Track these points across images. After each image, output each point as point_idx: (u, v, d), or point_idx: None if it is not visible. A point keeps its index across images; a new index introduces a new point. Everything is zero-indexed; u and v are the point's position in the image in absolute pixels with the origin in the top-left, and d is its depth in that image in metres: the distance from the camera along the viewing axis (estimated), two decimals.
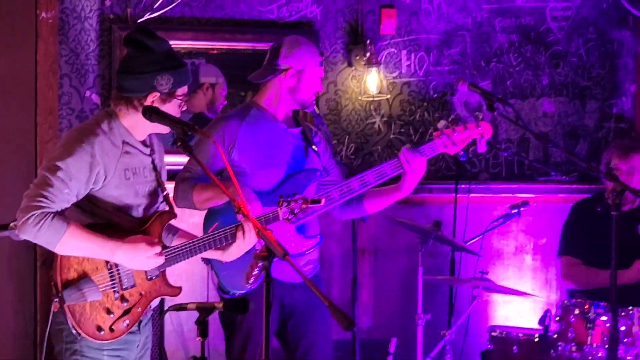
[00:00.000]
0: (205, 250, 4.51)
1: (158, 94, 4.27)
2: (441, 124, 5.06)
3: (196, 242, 4.48)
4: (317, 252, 5.28)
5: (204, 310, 3.71)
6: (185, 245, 4.43)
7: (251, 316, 4.26)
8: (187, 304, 3.84)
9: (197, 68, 6.77)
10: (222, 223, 4.58)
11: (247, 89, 6.82)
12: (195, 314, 3.88)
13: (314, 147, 5.24)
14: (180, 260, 4.44)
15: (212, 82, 6.64)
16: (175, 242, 4.49)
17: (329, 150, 5.40)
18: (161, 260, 4.28)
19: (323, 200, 4.75)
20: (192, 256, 4.46)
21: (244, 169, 5.00)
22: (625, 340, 5.38)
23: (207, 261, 5.03)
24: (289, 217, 4.64)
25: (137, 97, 4.29)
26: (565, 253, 6.28)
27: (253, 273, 4.81)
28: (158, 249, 4.24)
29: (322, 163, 5.24)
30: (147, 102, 4.28)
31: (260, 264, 4.42)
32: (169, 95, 4.32)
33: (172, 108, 4.34)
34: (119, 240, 4.19)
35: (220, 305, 3.78)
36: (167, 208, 4.46)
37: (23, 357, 6.39)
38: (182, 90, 4.39)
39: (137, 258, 4.20)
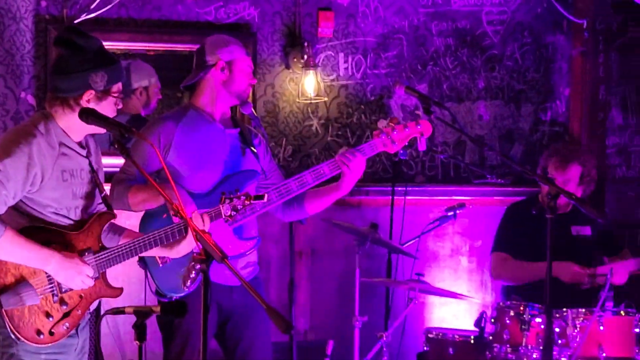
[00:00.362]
0: (152, 248, 4.48)
1: (93, 92, 4.25)
2: (381, 123, 5.09)
3: (142, 240, 4.46)
4: (256, 254, 5.28)
5: (142, 314, 3.62)
6: (129, 244, 4.41)
7: (189, 319, 4.23)
8: (124, 307, 3.72)
9: (129, 72, 6.69)
10: (160, 225, 4.57)
11: (184, 90, 6.60)
12: (132, 318, 3.77)
13: (252, 148, 5.22)
14: (125, 259, 4.42)
15: (145, 86, 6.62)
16: (123, 241, 4.46)
17: (269, 154, 5.40)
18: (90, 282, 4.26)
19: (266, 196, 4.74)
20: (137, 254, 4.46)
21: (179, 171, 4.98)
22: (559, 341, 5.44)
23: (143, 265, 5.00)
24: (232, 214, 4.64)
25: (72, 96, 4.26)
26: (497, 250, 6.35)
27: (190, 276, 4.81)
28: (90, 272, 4.22)
29: (262, 166, 5.23)
30: (83, 101, 4.26)
31: (197, 267, 4.39)
32: (104, 93, 4.29)
33: (108, 106, 4.33)
34: (55, 251, 4.16)
35: (158, 309, 3.70)
36: (105, 209, 4.43)
37: None
38: (117, 87, 4.38)
39: (67, 274, 4.18)
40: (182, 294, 4.86)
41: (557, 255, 5.04)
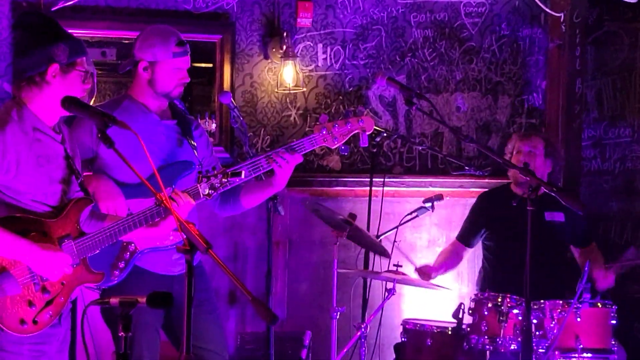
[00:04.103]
0: (132, 231, 4.48)
1: (57, 65, 4.25)
2: (322, 117, 5.10)
3: (122, 223, 4.46)
4: None
5: (127, 304, 3.59)
6: (108, 228, 4.40)
7: (133, 312, 4.12)
8: (109, 298, 3.70)
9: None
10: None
11: None
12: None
13: (191, 140, 5.24)
14: (106, 244, 4.42)
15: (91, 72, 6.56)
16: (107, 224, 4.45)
17: (210, 146, 5.44)
18: (68, 271, 4.26)
19: (244, 173, 4.76)
20: (117, 238, 4.44)
21: (109, 162, 4.94)
22: (537, 333, 5.45)
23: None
24: (210, 193, 4.65)
25: (37, 73, 4.26)
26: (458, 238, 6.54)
27: (118, 266, 4.80)
28: (69, 261, 4.23)
29: (199, 157, 5.21)
30: (49, 76, 4.25)
31: (126, 256, 4.83)
32: (69, 66, 4.29)
33: (75, 81, 4.32)
34: (32, 242, 4.15)
35: (144, 299, 3.64)
36: (82, 195, 4.43)
37: None
38: (81, 60, 4.36)
39: (45, 266, 4.18)
40: (110, 284, 4.84)
41: (533, 239, 5.06)
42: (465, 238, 6.43)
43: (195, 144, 5.21)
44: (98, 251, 4.47)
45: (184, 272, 4.33)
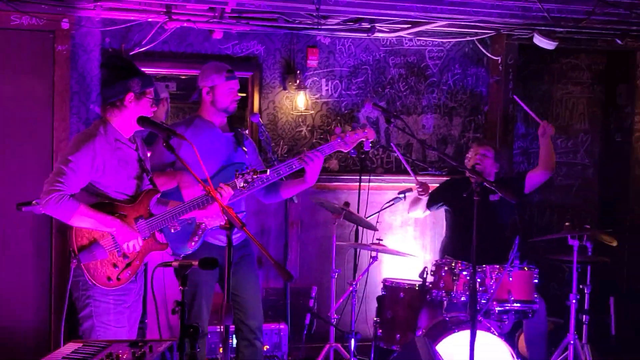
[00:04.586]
0: (189, 212, 4.52)
1: (132, 94, 4.31)
2: (337, 129, 5.12)
3: (181, 207, 4.51)
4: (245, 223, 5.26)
5: (184, 266, 3.67)
6: (171, 210, 4.46)
7: (195, 272, 4.15)
8: (171, 262, 3.77)
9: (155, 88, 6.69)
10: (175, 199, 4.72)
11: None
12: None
13: (243, 148, 5.20)
14: (170, 222, 4.49)
15: (166, 97, 6.55)
16: (169, 208, 4.52)
17: (256, 152, 5.36)
18: (140, 243, 4.36)
19: (269, 171, 4.77)
20: (178, 218, 4.49)
21: (188, 162, 4.86)
22: (480, 288, 5.44)
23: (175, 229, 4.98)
24: (244, 185, 4.60)
25: (118, 99, 4.32)
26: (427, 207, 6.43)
27: (194, 239, 4.86)
28: (140, 235, 4.34)
29: (249, 160, 5.17)
30: (126, 102, 4.32)
31: (199, 233, 4.87)
32: (141, 95, 4.35)
33: (145, 105, 4.38)
34: (118, 218, 4.26)
35: (196, 263, 3.69)
36: (151, 187, 4.49)
37: (40, 301, 6.34)
38: (150, 90, 4.41)
39: (124, 236, 4.28)
40: (187, 253, 4.91)
41: (477, 214, 5.03)
42: (430, 202, 6.33)
43: (246, 150, 5.20)
44: (164, 227, 4.51)
45: (234, 244, 4.51)
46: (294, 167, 4.97)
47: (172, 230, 4.85)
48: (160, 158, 4.93)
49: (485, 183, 5.25)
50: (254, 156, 5.32)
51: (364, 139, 4.98)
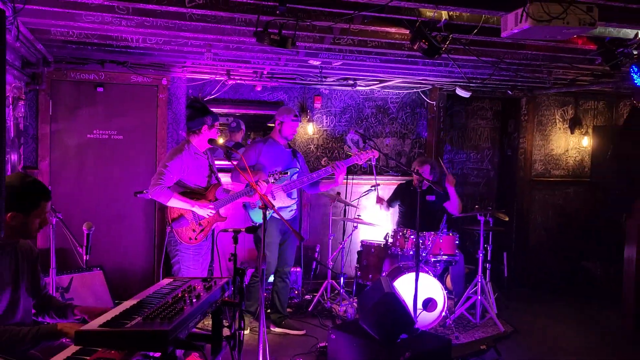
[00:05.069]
0: (241, 197, 4.45)
1: (206, 126, 4.34)
2: (354, 150, 5.00)
3: (234, 195, 4.45)
4: (297, 206, 5.13)
5: (237, 231, 3.46)
6: (228, 197, 4.43)
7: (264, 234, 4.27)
8: (229, 229, 3.57)
9: (239, 122, 6.56)
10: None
11: (256, 131, 6.76)
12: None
13: (298, 158, 5.17)
14: (228, 204, 4.41)
15: (243, 128, 6.57)
16: (229, 195, 4.43)
17: (304, 162, 5.29)
18: (212, 214, 4.28)
19: (289, 172, 4.77)
20: (233, 201, 4.41)
21: (264, 165, 4.95)
22: (422, 246, 5.50)
23: (244, 207, 5.02)
24: (273, 181, 4.63)
25: (197, 129, 4.36)
26: (388, 202, 6.19)
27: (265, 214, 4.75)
28: (212, 211, 4.28)
29: (300, 167, 5.15)
30: (202, 130, 4.32)
31: (265, 212, 4.47)
32: (211, 126, 4.36)
33: (213, 133, 4.37)
34: (196, 201, 4.27)
35: (244, 229, 3.49)
36: (216, 182, 4.47)
37: (147, 252, 6.24)
38: (217, 124, 4.37)
39: (202, 211, 4.28)
40: (257, 223, 4.88)
41: (422, 211, 4.99)
42: (390, 202, 6.18)
43: (299, 158, 5.15)
44: (226, 205, 4.40)
45: (289, 218, 4.70)
46: (328, 171, 4.91)
47: (251, 208, 4.84)
48: (243, 163, 4.71)
49: (424, 180, 5.17)
50: (303, 164, 5.24)
51: (372, 157, 4.94)
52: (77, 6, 3.69)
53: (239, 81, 6.38)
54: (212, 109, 4.56)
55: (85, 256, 3.63)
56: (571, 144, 7.66)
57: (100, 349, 2.14)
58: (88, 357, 2.18)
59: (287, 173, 4.77)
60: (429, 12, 3.72)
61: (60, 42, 4.79)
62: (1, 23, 1.48)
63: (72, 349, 2.31)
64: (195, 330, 2.45)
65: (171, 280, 2.99)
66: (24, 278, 2.70)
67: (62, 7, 3.70)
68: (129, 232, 6.19)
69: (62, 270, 5.06)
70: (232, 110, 6.66)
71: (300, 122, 5.06)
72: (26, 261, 2.73)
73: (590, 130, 7.69)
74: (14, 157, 5.09)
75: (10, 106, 4.85)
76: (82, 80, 5.92)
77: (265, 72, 6.10)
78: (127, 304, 2.37)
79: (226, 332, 2.86)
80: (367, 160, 4.95)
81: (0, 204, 1.54)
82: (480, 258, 5.68)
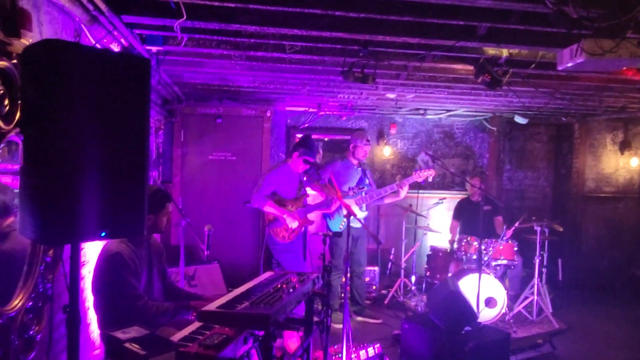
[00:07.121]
0: (321, 208, 4.44)
1: (297, 153, 4.32)
2: (415, 170, 4.91)
3: (320, 203, 4.47)
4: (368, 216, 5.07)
5: (326, 235, 3.47)
6: (312, 206, 4.39)
7: (339, 240, 4.21)
8: (318, 233, 3.63)
9: (318, 146, 6.26)
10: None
11: (338, 153, 6.65)
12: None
13: (367, 176, 5.08)
14: (312, 212, 4.36)
15: (320, 152, 6.41)
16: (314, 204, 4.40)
17: (371, 178, 5.20)
18: (298, 222, 4.21)
19: (365, 188, 4.72)
20: (317, 209, 4.39)
21: (339, 182, 4.91)
22: (484, 252, 5.35)
23: (324, 217, 4.96)
24: (351, 195, 4.68)
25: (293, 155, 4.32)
26: (453, 218, 6.18)
27: (342, 223, 4.82)
28: (297, 223, 4.22)
29: (370, 183, 5.08)
30: (298, 154, 4.30)
31: (344, 221, 4.49)
32: (306, 161, 4.32)
33: (310, 155, 4.34)
34: (286, 210, 4.26)
35: (331, 233, 3.60)
36: (304, 193, 4.47)
37: (254, 249, 6.32)
38: (312, 153, 4.35)
39: (290, 219, 4.25)
40: (338, 231, 4.78)
41: (478, 220, 4.95)
42: (455, 218, 6.09)
43: (367, 176, 5.04)
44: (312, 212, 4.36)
45: (360, 227, 4.57)
46: (394, 188, 4.88)
47: (331, 218, 4.80)
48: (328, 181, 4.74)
49: (485, 194, 5.08)
50: (372, 181, 5.16)
51: (429, 175, 4.88)
52: (203, 56, 3.88)
53: (327, 112, 6.48)
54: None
55: (206, 252, 3.84)
56: (621, 164, 7.38)
57: (216, 326, 2.22)
58: (207, 332, 2.27)
59: (363, 188, 4.74)
60: (491, 51, 3.70)
61: (191, 85, 5.05)
62: (148, 71, 1.62)
63: (197, 324, 2.41)
64: (291, 315, 2.51)
65: (272, 273, 3.01)
66: (155, 264, 2.87)
67: (192, 57, 3.91)
68: (239, 234, 6.28)
69: (189, 263, 5.23)
70: (321, 136, 6.70)
71: (370, 146, 5.02)
72: (156, 253, 2.91)
73: (639, 152, 7.35)
74: (154, 173, 5.36)
75: (153, 134, 5.19)
76: (205, 113, 6.16)
77: (349, 105, 6.17)
78: (237, 291, 2.43)
79: (315, 318, 2.88)
80: (425, 179, 4.87)
81: (144, 208, 1.65)
82: (537, 263, 5.49)
